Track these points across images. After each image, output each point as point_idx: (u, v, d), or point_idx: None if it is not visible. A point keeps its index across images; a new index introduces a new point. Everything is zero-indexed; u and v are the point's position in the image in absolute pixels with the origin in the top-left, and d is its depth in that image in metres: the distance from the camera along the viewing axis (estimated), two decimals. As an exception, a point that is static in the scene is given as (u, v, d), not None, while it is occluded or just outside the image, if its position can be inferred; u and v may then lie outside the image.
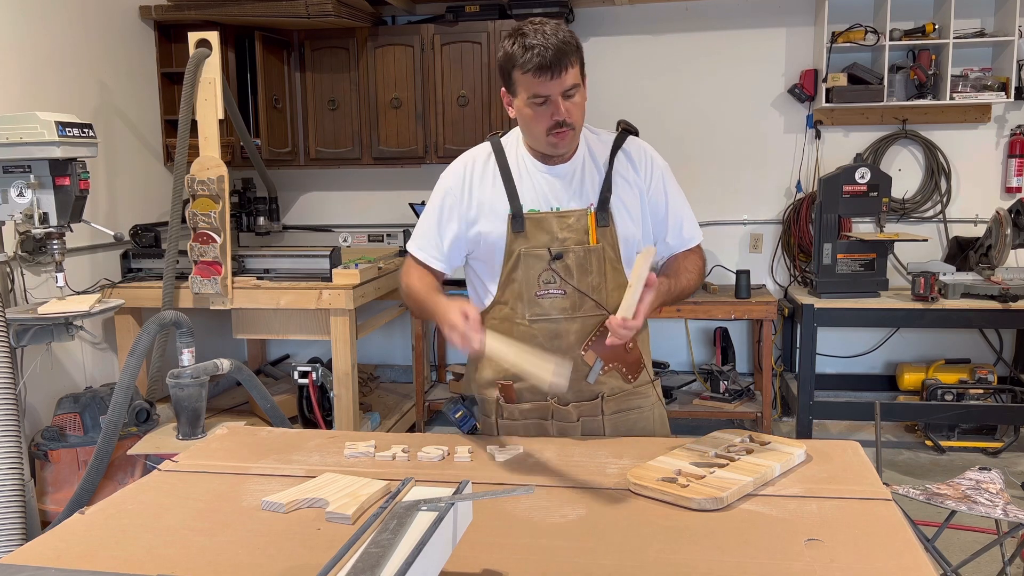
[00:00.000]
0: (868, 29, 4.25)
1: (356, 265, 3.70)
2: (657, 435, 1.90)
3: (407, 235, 3.47)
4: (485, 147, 1.88)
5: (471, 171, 1.84)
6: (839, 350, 4.64)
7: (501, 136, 1.90)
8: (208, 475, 1.63)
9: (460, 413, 1.87)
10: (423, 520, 1.14)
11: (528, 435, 1.86)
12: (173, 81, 4.29)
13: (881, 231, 4.15)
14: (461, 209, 1.83)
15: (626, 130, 1.88)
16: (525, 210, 1.78)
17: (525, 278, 1.78)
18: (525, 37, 1.64)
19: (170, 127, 4.26)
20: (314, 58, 4.53)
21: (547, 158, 1.80)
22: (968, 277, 4.06)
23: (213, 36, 3.52)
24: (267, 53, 4.37)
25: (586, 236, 1.76)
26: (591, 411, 1.83)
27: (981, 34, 4.27)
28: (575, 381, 1.79)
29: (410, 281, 1.87)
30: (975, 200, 4.44)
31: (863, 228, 4.45)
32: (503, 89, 1.75)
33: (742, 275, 4.19)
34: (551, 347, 1.77)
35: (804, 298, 4.14)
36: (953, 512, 2.45)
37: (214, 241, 3.54)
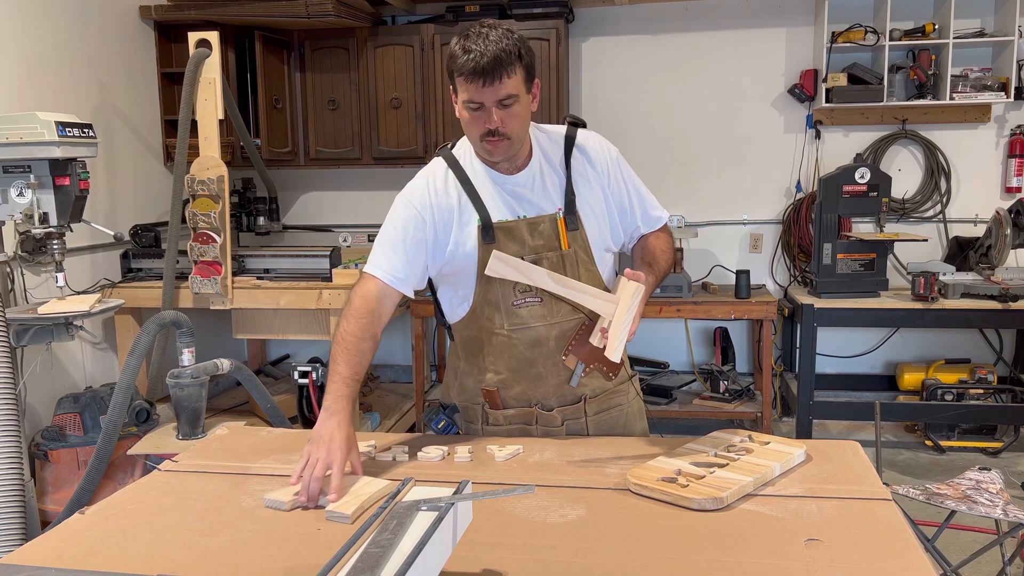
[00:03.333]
0: (868, 29, 4.25)
1: (356, 265, 3.70)
2: (636, 428, 1.92)
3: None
4: (439, 163, 1.80)
5: (432, 192, 1.75)
6: (839, 350, 4.64)
7: (451, 147, 1.82)
8: (208, 475, 1.63)
9: (443, 423, 1.87)
10: (423, 520, 1.14)
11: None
12: (173, 81, 4.29)
13: (881, 231, 4.15)
14: (428, 235, 1.75)
15: (573, 124, 1.83)
16: (494, 220, 1.74)
17: (501, 289, 1.75)
18: (467, 40, 1.59)
19: (170, 127, 4.25)
20: (314, 58, 4.53)
21: (502, 168, 1.75)
22: (968, 277, 4.06)
23: (213, 36, 3.52)
24: (267, 53, 4.37)
25: (557, 241, 1.75)
26: (574, 414, 1.84)
27: (981, 34, 4.27)
28: (558, 386, 1.80)
29: (346, 325, 1.75)
30: (975, 200, 4.44)
31: (863, 228, 4.45)
32: (451, 87, 1.68)
33: (742, 275, 4.19)
34: (531, 355, 1.77)
35: (804, 298, 4.14)
36: (953, 512, 2.45)
37: (214, 241, 3.54)
